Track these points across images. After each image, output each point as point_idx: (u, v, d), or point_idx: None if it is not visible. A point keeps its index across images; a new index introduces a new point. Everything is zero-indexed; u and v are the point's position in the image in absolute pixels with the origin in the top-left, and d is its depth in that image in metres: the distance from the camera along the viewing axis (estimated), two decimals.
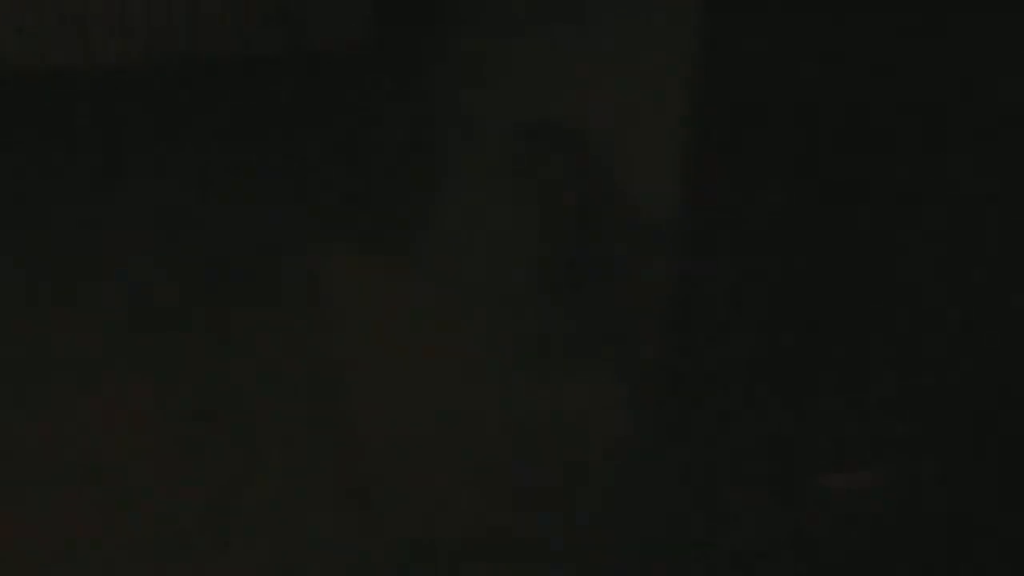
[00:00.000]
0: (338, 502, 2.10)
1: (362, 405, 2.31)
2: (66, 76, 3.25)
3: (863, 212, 2.11)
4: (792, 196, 2.15)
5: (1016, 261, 2.04)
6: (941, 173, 2.04)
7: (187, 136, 3.07)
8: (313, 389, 2.34)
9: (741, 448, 2.22)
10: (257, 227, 2.77)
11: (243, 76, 3.31)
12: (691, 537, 2.06)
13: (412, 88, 3.31)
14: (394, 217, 2.84)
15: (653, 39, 3.52)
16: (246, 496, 2.10)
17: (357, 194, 2.90)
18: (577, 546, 2.04)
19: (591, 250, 2.74)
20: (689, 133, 2.22)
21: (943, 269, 2.09)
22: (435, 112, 3.22)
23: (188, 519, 2.05)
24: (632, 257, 2.71)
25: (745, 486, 2.15)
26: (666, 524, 2.08)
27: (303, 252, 2.70)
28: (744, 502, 2.12)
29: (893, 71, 2.01)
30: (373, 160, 3.02)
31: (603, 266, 2.69)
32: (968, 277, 2.08)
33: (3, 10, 3.16)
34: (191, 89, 3.25)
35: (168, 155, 3.00)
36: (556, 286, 2.64)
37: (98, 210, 2.81)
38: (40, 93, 3.20)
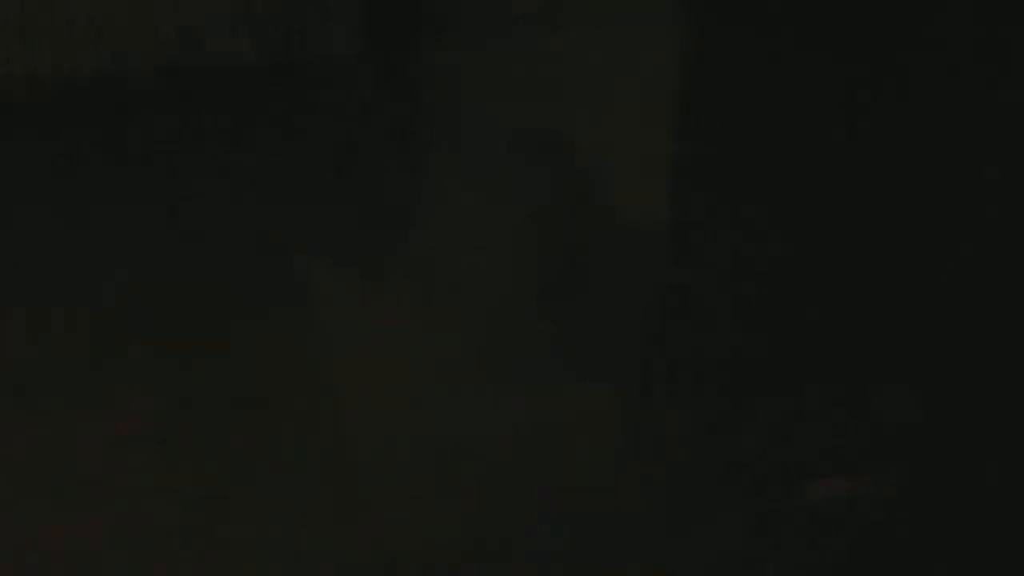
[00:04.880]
0: (330, 509, 2.11)
1: (354, 412, 2.31)
2: (57, 84, 3.26)
3: (854, 219, 2.12)
4: (781, 202, 2.15)
5: (1013, 265, 2.05)
6: (939, 176, 2.05)
7: (182, 143, 3.08)
8: (304, 397, 2.34)
9: (732, 453, 2.23)
10: (249, 235, 2.78)
11: (233, 86, 3.31)
12: (685, 542, 2.06)
13: (407, 95, 3.32)
14: (388, 223, 2.84)
15: (641, 48, 3.53)
16: (238, 504, 2.11)
17: (346, 203, 2.91)
18: (570, 553, 2.04)
19: (581, 258, 2.74)
20: (678, 141, 2.22)
21: (937, 276, 2.09)
22: (431, 119, 3.22)
23: (178, 525, 2.06)
24: (621, 264, 2.72)
25: (744, 490, 2.15)
26: (659, 530, 2.09)
27: (295, 260, 2.71)
28: (743, 505, 2.12)
29: (892, 78, 2.02)
30: (367, 166, 3.03)
31: (593, 274, 2.70)
32: (963, 282, 2.09)
33: (4, 13, 3.16)
34: (182, 99, 3.25)
35: (163, 161, 3.00)
36: (546, 294, 2.64)
37: (90, 215, 2.81)
38: (31, 100, 3.20)
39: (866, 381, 2.20)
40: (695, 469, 2.20)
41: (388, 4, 3.57)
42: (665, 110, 3.21)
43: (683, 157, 2.26)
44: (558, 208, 2.89)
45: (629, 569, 2.01)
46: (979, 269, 2.08)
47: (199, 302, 2.56)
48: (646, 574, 2.00)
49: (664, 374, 2.40)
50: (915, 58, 1.98)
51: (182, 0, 3.23)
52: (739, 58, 2.10)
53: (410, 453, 2.21)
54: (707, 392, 2.32)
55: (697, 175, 2.24)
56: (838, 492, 2.13)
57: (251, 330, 2.49)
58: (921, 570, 2.03)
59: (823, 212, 2.14)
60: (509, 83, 3.36)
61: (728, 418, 2.28)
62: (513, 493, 2.14)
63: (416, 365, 2.42)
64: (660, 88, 3.31)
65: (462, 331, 2.51)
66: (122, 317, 2.51)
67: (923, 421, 2.16)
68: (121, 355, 2.41)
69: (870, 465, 2.18)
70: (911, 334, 2.15)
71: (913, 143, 2.04)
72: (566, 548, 2.04)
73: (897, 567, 2.03)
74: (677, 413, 2.32)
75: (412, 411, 2.31)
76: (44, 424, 2.24)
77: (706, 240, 2.24)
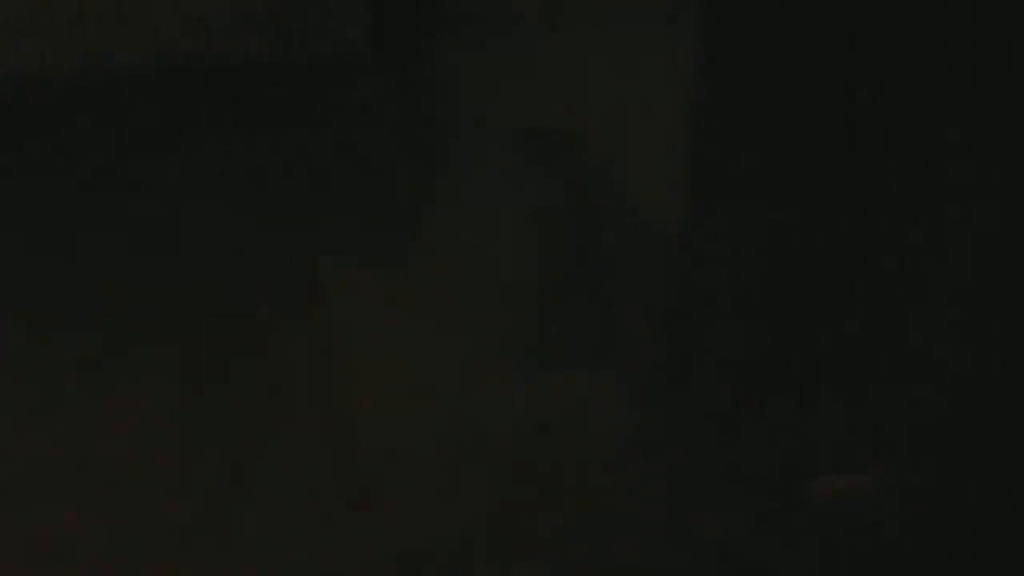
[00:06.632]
0: (334, 508, 2.11)
1: (363, 410, 2.32)
2: (67, 80, 3.26)
3: (865, 220, 2.12)
4: (794, 201, 2.15)
5: (1015, 265, 2.05)
6: (944, 180, 2.05)
7: (187, 140, 3.08)
8: (313, 394, 2.34)
9: (740, 452, 2.23)
10: (257, 231, 2.78)
11: (243, 81, 3.31)
12: (690, 539, 2.06)
13: (411, 94, 3.32)
14: (394, 221, 2.84)
15: (641, 48, 3.53)
16: (242, 503, 2.11)
17: (356, 198, 2.91)
18: (577, 549, 2.05)
19: (592, 254, 2.75)
20: (691, 138, 2.22)
21: (944, 277, 2.10)
22: (435, 118, 3.22)
23: (181, 525, 2.06)
24: (624, 264, 2.72)
25: (744, 489, 2.16)
26: (666, 526, 2.09)
27: (303, 256, 2.71)
28: (743, 505, 2.12)
29: (892, 78, 2.02)
30: (372, 165, 3.03)
31: (604, 270, 2.70)
32: (970, 284, 2.09)
33: (4, 13, 3.16)
34: (191, 94, 3.25)
35: (168, 159, 3.01)
36: (557, 289, 2.64)
37: (92, 214, 2.81)
38: (40, 97, 3.21)
39: (869, 381, 2.20)
40: (695, 469, 2.20)
41: (394, 4, 3.57)
42: (666, 109, 3.21)
43: (686, 156, 2.26)
44: (561, 208, 2.89)
45: (629, 569, 2.01)
46: (981, 269, 2.09)
47: (201, 301, 2.56)
48: (646, 574, 2.00)
49: (668, 374, 2.40)
50: (915, 58, 1.98)
51: None
52: (739, 58, 2.11)
53: (414, 453, 2.21)
54: (708, 392, 2.32)
55: (700, 174, 2.24)
56: (838, 492, 2.13)
57: (253, 329, 2.49)
58: (921, 570, 2.03)
59: (828, 212, 2.14)
60: (523, 79, 3.36)
61: (728, 418, 2.28)
62: (515, 494, 2.14)
63: (420, 365, 2.42)
64: (661, 88, 3.31)
65: (465, 331, 2.51)
66: (124, 316, 2.51)
67: (925, 421, 2.16)
68: (123, 355, 2.41)
69: (870, 465, 2.18)
70: (915, 334, 2.16)
71: (913, 142, 2.04)
72: (572, 546, 2.04)
73: (897, 567, 2.03)
74: (678, 413, 2.32)
75: (416, 411, 2.31)
76: (45, 424, 2.24)
77: (707, 239, 2.25)
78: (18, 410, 2.27)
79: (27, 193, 2.86)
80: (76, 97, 3.21)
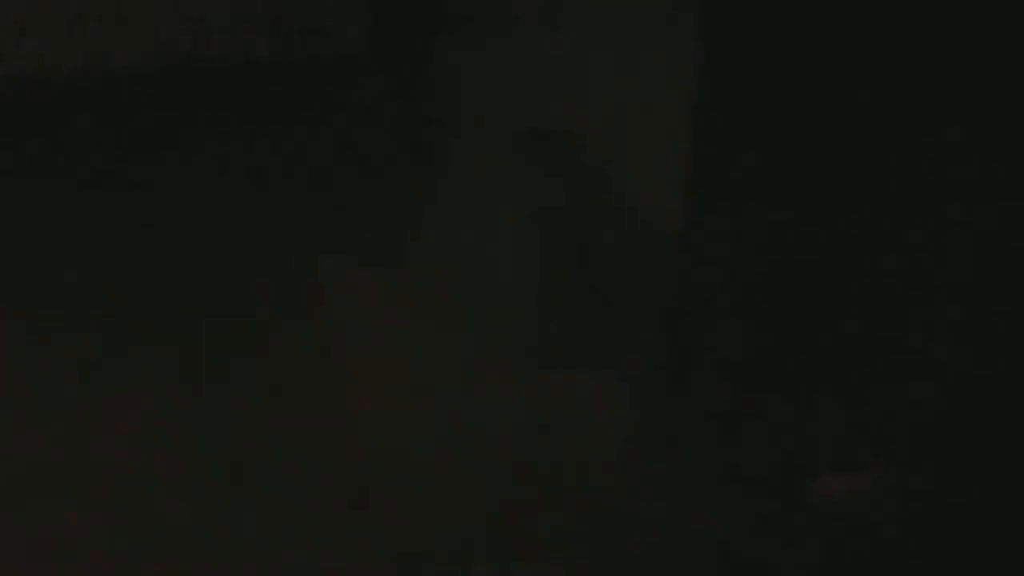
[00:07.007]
0: (338, 507, 2.11)
1: (363, 410, 2.32)
2: (67, 80, 3.26)
3: (865, 220, 2.12)
4: (794, 201, 2.15)
5: (1015, 265, 2.05)
6: (944, 180, 2.05)
7: (187, 140, 3.08)
8: (313, 394, 2.34)
9: (740, 452, 2.23)
10: (257, 231, 2.78)
11: (243, 81, 3.31)
12: (690, 539, 2.06)
13: (411, 94, 3.32)
14: (394, 221, 2.84)
15: (641, 48, 3.53)
16: (242, 503, 2.11)
17: (356, 198, 2.91)
18: (577, 549, 2.05)
19: (592, 254, 2.75)
20: (691, 138, 2.23)
21: (944, 277, 2.10)
22: (435, 118, 3.22)
23: (187, 523, 2.06)
24: (625, 264, 2.72)
25: (744, 489, 2.16)
26: (666, 526, 2.09)
27: (303, 256, 2.71)
28: (743, 505, 2.12)
29: (892, 78, 2.02)
30: (372, 165, 3.03)
31: (604, 270, 2.70)
32: (970, 284, 2.09)
33: (4, 13, 3.16)
34: (191, 94, 3.25)
35: (168, 159, 3.01)
36: (557, 289, 2.64)
37: (92, 214, 2.81)
38: (40, 97, 3.21)
39: (869, 381, 2.20)
40: (695, 469, 2.20)
41: (394, 4, 3.57)
42: (666, 109, 3.21)
43: (685, 156, 2.26)
44: (561, 208, 2.89)
45: (629, 569, 2.01)
46: (981, 269, 2.09)
47: (201, 301, 2.56)
48: (646, 574, 2.00)
49: (668, 374, 2.40)
50: (915, 58, 1.98)
51: None
52: (739, 58, 2.11)
53: (414, 453, 2.21)
54: (708, 392, 2.32)
55: (700, 174, 2.24)
56: (838, 492, 2.13)
57: (253, 329, 2.49)
58: (921, 570, 2.03)
59: (828, 212, 2.14)
60: (523, 80, 3.36)
61: (728, 418, 2.28)
62: (515, 494, 2.14)
63: (420, 365, 2.42)
64: (661, 88, 3.32)
65: (465, 331, 2.51)
66: (124, 316, 2.51)
67: (925, 421, 2.16)
68: (123, 355, 2.41)
69: (870, 465, 2.18)
70: (915, 334, 2.16)
71: (913, 142, 2.04)
72: (572, 546, 2.04)
73: (897, 567, 2.03)
74: (678, 413, 2.32)
75: (416, 411, 2.31)
76: (45, 424, 2.24)
77: (707, 239, 2.25)
78: (18, 410, 2.27)
79: (27, 193, 2.86)
80: (76, 97, 3.21)
